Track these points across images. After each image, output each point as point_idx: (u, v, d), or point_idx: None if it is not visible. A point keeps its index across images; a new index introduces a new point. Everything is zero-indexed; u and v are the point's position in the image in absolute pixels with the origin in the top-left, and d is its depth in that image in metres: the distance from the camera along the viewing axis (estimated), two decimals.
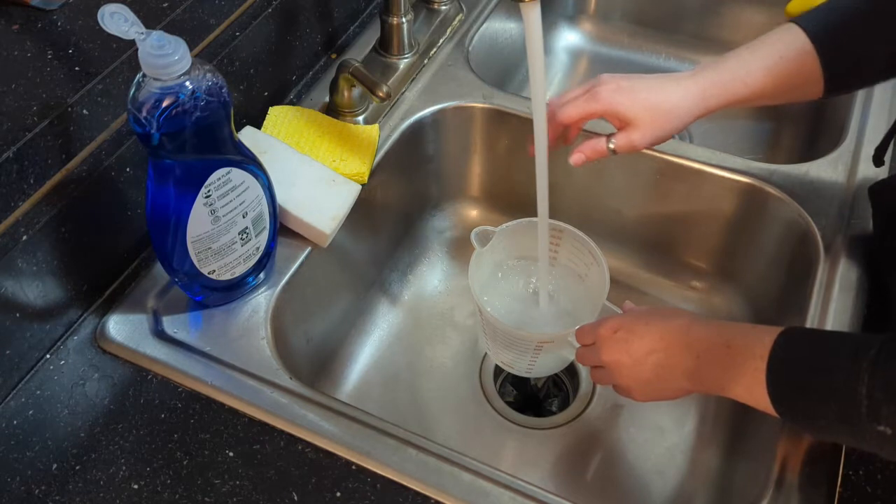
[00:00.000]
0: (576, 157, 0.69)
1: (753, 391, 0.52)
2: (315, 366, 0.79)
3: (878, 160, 0.76)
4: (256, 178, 0.62)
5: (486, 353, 0.85)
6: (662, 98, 0.65)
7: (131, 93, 0.53)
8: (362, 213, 0.80)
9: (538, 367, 0.75)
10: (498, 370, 0.84)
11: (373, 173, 0.79)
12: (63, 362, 0.64)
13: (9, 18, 0.54)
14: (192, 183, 0.58)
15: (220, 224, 0.61)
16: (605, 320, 0.64)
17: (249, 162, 0.61)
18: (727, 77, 0.65)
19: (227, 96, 0.56)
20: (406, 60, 0.88)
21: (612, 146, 0.67)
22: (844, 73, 0.64)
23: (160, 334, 0.66)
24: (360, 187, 0.77)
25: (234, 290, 0.68)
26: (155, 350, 0.65)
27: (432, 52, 0.92)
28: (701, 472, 0.75)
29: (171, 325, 0.67)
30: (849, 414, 0.47)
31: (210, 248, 0.62)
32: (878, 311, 0.67)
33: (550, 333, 0.73)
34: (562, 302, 0.76)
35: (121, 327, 0.66)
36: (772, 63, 0.64)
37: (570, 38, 1.19)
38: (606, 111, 0.66)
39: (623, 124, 0.66)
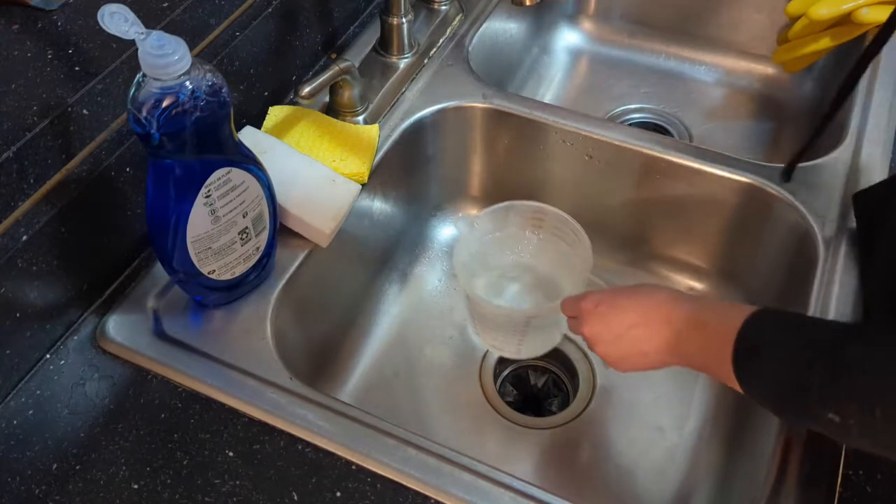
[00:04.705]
0: None
1: (727, 372, 0.53)
2: (315, 366, 0.79)
3: (787, 175, 0.75)
4: (256, 178, 0.62)
5: (486, 353, 0.85)
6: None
7: (131, 93, 0.53)
8: (362, 212, 0.80)
9: (527, 347, 0.75)
10: (498, 370, 0.84)
11: (373, 173, 0.79)
12: (63, 362, 0.64)
13: (9, 18, 0.54)
14: (192, 183, 0.58)
15: (220, 224, 0.61)
16: (588, 294, 0.64)
17: (249, 162, 0.61)
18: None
19: (227, 96, 0.56)
20: (406, 60, 0.88)
21: None
22: None
23: (160, 334, 0.66)
24: (360, 187, 0.77)
25: (234, 290, 0.68)
26: (155, 350, 0.65)
27: (432, 52, 0.92)
28: (701, 471, 0.75)
29: (171, 325, 0.67)
30: (802, 401, 0.48)
31: (210, 248, 0.62)
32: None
33: (535, 308, 0.73)
34: (546, 279, 0.76)
35: (121, 327, 0.66)
36: None
37: (570, 37, 1.18)
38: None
39: None
